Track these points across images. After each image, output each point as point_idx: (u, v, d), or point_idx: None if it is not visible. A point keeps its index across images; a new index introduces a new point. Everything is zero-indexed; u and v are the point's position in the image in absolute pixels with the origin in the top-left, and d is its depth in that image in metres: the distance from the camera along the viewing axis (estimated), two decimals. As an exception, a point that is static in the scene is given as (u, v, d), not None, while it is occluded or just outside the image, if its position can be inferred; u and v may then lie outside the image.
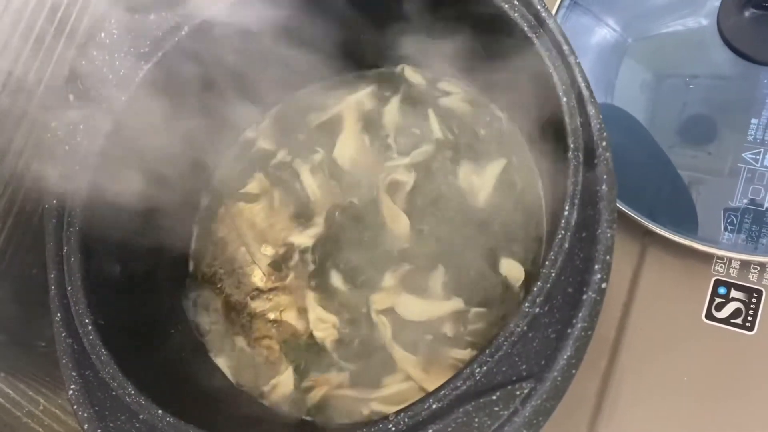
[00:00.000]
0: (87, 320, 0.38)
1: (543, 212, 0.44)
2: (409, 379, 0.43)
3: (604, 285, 0.30)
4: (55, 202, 0.41)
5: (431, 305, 0.44)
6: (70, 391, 0.37)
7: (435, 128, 0.49)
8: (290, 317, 0.46)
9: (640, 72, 0.61)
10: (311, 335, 0.45)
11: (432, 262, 0.45)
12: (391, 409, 0.42)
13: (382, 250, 0.46)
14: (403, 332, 0.44)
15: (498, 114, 0.48)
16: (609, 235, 0.31)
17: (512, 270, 0.43)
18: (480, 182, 0.46)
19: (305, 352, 0.45)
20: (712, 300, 0.48)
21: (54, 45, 0.52)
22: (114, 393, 0.36)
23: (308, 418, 0.43)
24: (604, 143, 0.33)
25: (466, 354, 0.42)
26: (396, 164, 0.48)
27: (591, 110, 0.34)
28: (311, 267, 0.47)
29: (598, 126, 0.34)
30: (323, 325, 0.45)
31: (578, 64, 0.36)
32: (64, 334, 0.38)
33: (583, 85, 0.35)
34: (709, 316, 0.47)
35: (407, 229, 0.46)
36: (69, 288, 0.39)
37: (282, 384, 0.44)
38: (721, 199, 0.51)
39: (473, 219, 0.45)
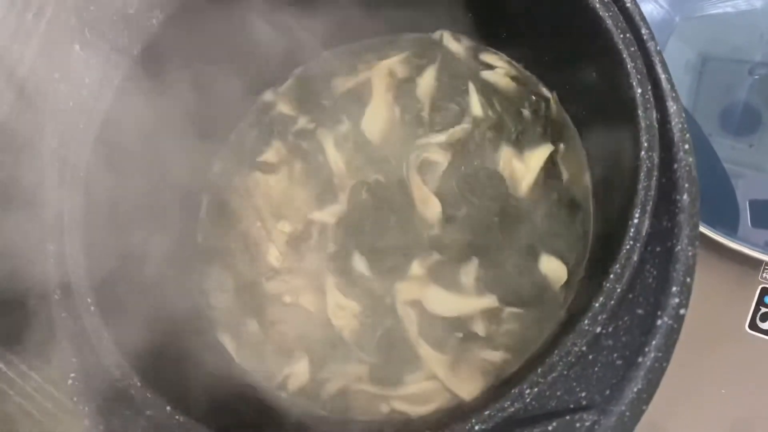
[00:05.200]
0: (89, 299, 0.35)
1: (590, 208, 0.40)
2: (434, 378, 0.40)
3: (683, 311, 0.27)
4: (57, 164, 0.37)
5: (462, 300, 0.40)
6: (70, 380, 0.33)
7: (475, 104, 0.44)
8: (307, 302, 0.43)
9: (686, 52, 0.58)
10: (329, 323, 0.42)
11: (465, 253, 0.41)
12: (414, 409, 0.40)
13: (411, 235, 0.42)
14: (430, 327, 0.40)
15: (546, 94, 0.44)
16: (690, 253, 0.27)
17: (554, 269, 0.40)
18: (522, 169, 0.42)
19: (322, 341, 0.42)
20: (757, 309, 0.45)
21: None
22: (118, 385, 0.33)
23: (324, 413, 0.40)
24: (686, 146, 0.30)
25: (498, 356, 0.39)
26: (429, 142, 0.44)
27: (672, 107, 0.31)
28: (332, 248, 0.43)
29: (680, 126, 0.30)
30: (342, 313, 0.42)
31: (659, 52, 0.32)
32: (63, 315, 0.35)
33: (663, 77, 0.31)
34: (753, 326, 0.45)
35: (438, 214, 0.42)
36: (70, 262, 0.35)
37: (296, 374, 0.41)
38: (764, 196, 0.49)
39: (512, 209, 0.41)
